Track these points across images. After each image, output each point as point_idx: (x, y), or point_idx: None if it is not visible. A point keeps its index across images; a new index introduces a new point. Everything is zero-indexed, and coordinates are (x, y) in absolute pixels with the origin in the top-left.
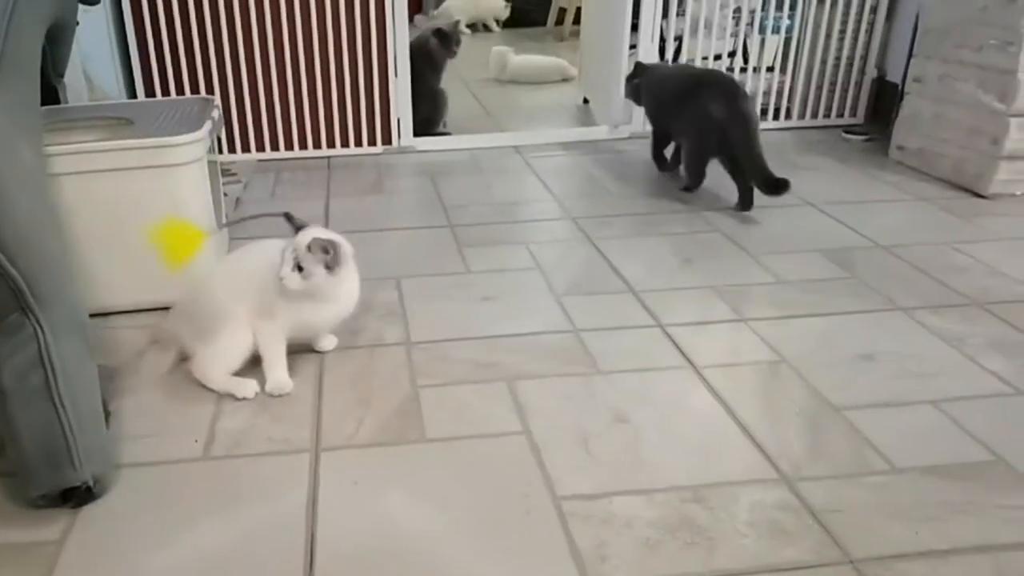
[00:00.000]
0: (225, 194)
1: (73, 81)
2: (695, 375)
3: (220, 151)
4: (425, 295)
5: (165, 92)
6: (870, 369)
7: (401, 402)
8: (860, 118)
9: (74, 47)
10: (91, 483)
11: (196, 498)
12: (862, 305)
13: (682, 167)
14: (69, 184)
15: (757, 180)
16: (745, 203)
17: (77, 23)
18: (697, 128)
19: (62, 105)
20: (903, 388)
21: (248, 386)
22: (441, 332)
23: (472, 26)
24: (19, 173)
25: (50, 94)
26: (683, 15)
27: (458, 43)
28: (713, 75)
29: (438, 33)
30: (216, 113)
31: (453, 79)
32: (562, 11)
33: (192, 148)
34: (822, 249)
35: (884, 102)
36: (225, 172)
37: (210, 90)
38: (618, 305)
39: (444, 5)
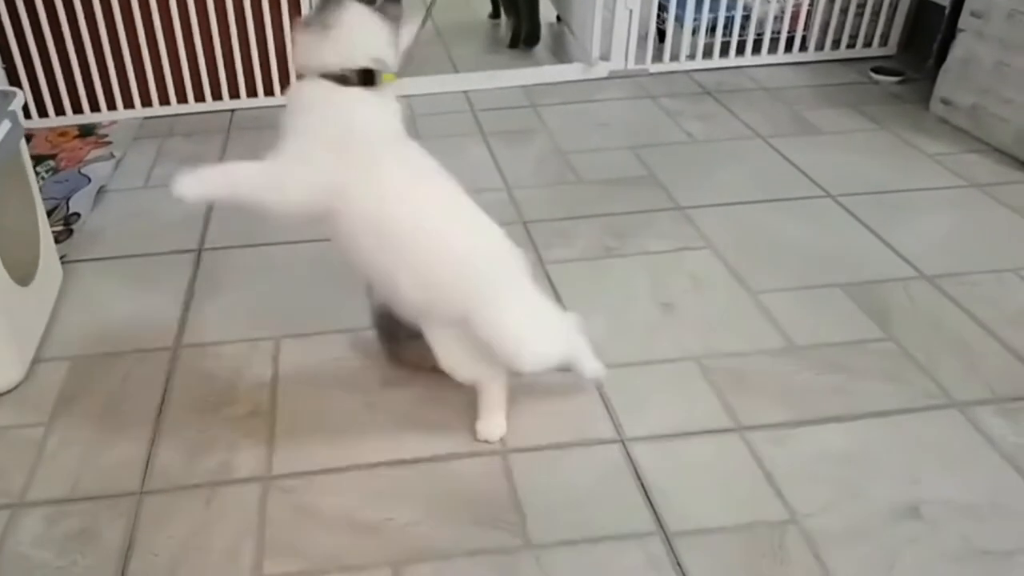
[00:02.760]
0: (88, 179)
1: None
2: (663, 549)
3: (96, 108)
4: (310, 374)
5: (20, 36)
6: (918, 539)
7: None
8: (891, 48)
9: None
10: None
11: None
12: (901, 398)
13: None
14: None
15: (527, 30)
16: (515, 42)
17: None
18: None
19: None
20: None
21: None
22: (317, 455)
23: None
24: None
25: None
26: None
27: None
28: None
29: None
30: (11, 121)
31: None
32: None
33: None
34: (845, 283)
35: (924, 30)
36: (98, 141)
37: (74, 28)
38: (568, 400)
39: None
